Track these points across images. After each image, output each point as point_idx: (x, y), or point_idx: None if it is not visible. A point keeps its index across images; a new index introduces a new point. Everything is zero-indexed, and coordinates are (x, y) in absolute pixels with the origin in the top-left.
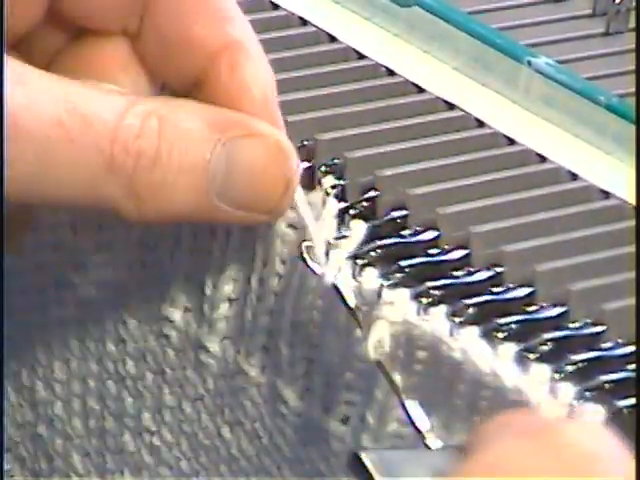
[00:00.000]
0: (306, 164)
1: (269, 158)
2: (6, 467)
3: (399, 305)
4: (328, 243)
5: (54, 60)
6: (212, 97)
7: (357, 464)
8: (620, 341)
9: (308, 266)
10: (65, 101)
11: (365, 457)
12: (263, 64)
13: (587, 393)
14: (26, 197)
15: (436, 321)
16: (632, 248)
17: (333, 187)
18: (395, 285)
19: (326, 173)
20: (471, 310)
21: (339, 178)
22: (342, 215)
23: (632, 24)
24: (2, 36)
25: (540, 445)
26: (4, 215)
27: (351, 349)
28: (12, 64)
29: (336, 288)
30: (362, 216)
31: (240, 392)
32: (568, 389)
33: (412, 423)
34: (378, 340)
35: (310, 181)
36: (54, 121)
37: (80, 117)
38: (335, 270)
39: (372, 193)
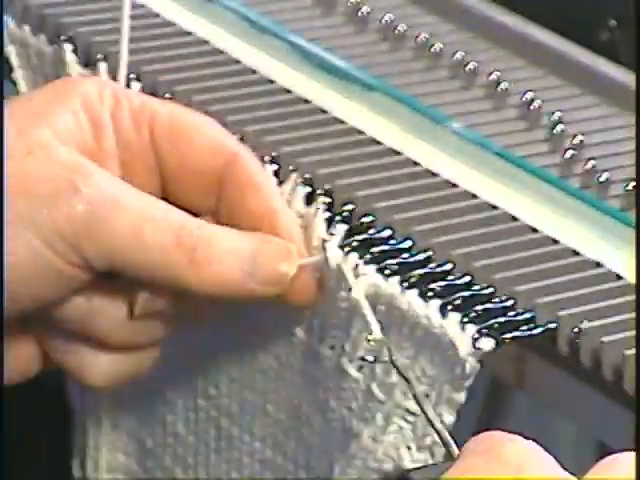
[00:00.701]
0: (308, 189)
1: (279, 255)
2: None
3: (370, 275)
4: (323, 239)
5: None
6: None
7: None
8: (504, 298)
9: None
10: (153, 206)
11: (414, 476)
12: (292, 220)
13: (483, 330)
14: (122, 265)
15: (392, 285)
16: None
17: (324, 203)
18: (366, 263)
19: (321, 194)
20: (413, 278)
21: (330, 197)
22: (331, 220)
23: (510, 102)
24: (1, 41)
25: (488, 460)
26: (4, 219)
27: (336, 305)
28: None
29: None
30: (344, 221)
31: None
32: (471, 328)
33: (439, 436)
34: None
35: (310, 200)
36: (143, 214)
37: (161, 213)
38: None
39: (350, 207)
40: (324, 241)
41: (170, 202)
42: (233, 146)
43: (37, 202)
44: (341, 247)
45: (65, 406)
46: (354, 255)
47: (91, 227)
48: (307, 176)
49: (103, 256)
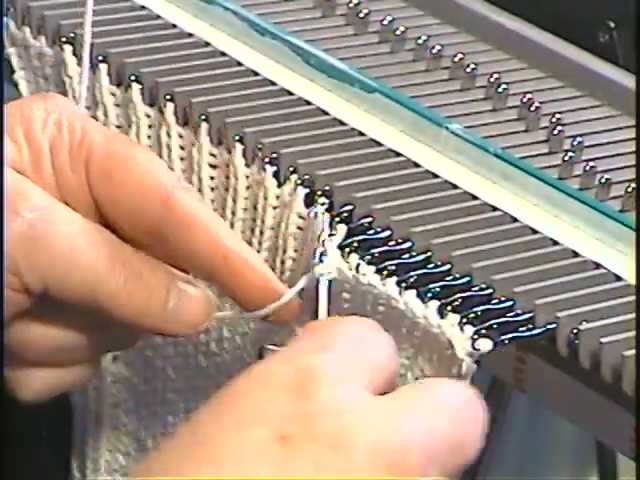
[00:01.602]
0: (307, 190)
1: (198, 303)
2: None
3: (370, 275)
4: (323, 240)
5: None
6: (224, 284)
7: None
8: (503, 298)
9: None
10: (90, 232)
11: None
12: (248, 252)
13: (482, 331)
14: (56, 287)
15: (391, 286)
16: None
17: (323, 204)
18: (368, 263)
19: (320, 195)
20: (412, 279)
21: (329, 198)
22: (331, 221)
23: (510, 103)
24: (2, 42)
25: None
26: (4, 219)
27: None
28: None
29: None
30: (344, 221)
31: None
32: (469, 328)
33: None
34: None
35: (310, 201)
36: (80, 238)
37: (98, 239)
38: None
39: (350, 208)
40: (324, 241)
41: (110, 229)
42: (168, 185)
43: None
44: (340, 248)
45: (66, 406)
46: (355, 256)
47: (28, 248)
48: (307, 177)
49: (39, 277)
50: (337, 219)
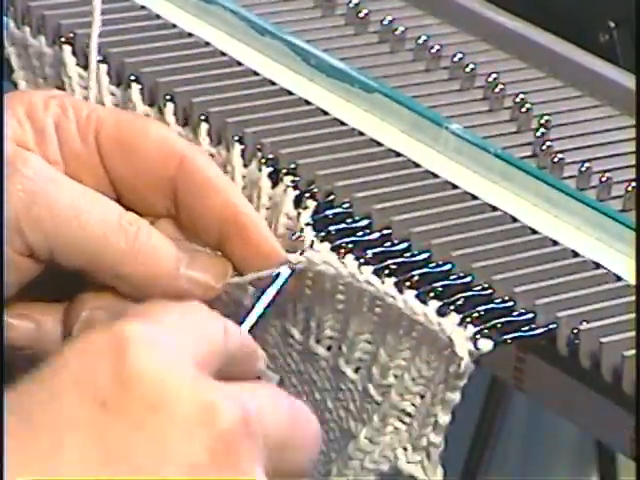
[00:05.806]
0: (297, 192)
1: (214, 265)
2: None
3: (369, 275)
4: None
5: None
6: (232, 246)
7: None
8: (505, 299)
9: None
10: (93, 191)
11: None
12: (254, 213)
13: (482, 331)
14: (62, 248)
15: (390, 286)
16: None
17: (326, 202)
18: (365, 264)
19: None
20: (414, 279)
21: (329, 197)
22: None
23: (509, 103)
24: (2, 42)
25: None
26: (4, 218)
27: (333, 306)
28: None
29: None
30: (341, 221)
31: None
32: (470, 328)
33: None
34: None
35: (299, 201)
36: (83, 195)
37: (103, 197)
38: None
39: (349, 208)
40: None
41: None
42: (181, 147)
43: None
44: (337, 248)
45: None
46: (351, 256)
47: (30, 206)
48: (298, 179)
49: (43, 236)
50: (306, 195)
